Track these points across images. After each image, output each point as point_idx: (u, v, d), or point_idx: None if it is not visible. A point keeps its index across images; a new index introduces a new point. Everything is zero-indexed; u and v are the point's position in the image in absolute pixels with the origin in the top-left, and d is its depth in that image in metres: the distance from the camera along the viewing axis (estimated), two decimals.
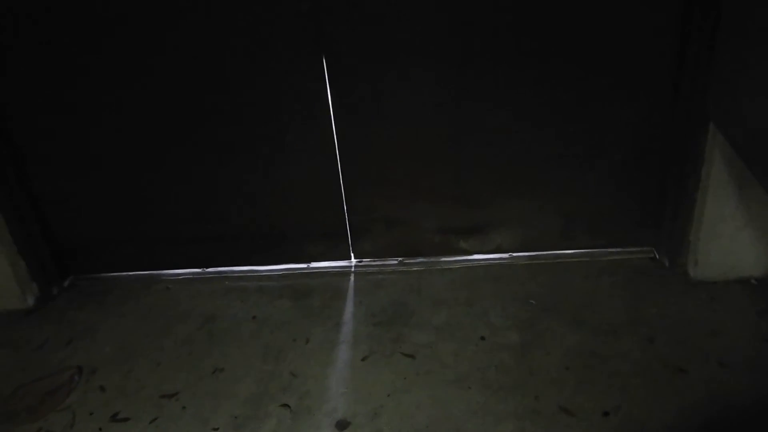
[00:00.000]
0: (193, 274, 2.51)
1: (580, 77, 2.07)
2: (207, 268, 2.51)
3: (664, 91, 2.08)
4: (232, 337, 2.17)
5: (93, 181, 2.31)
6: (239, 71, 2.10)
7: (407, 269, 2.44)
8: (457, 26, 2.01)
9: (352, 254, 2.47)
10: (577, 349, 1.99)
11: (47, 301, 2.42)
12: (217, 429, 1.81)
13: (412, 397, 1.87)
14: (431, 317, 2.18)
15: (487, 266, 2.42)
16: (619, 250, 2.40)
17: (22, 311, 2.36)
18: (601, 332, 2.05)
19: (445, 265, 2.44)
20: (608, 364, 1.92)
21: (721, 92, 1.86)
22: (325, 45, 2.05)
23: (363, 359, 2.03)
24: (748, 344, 1.95)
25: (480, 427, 1.75)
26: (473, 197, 2.32)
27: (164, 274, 2.51)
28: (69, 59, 2.09)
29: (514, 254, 2.43)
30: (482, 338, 2.07)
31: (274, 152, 2.24)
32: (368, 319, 2.20)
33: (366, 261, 2.48)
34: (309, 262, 2.49)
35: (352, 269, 2.47)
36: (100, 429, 1.85)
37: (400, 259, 2.47)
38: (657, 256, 2.37)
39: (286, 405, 1.88)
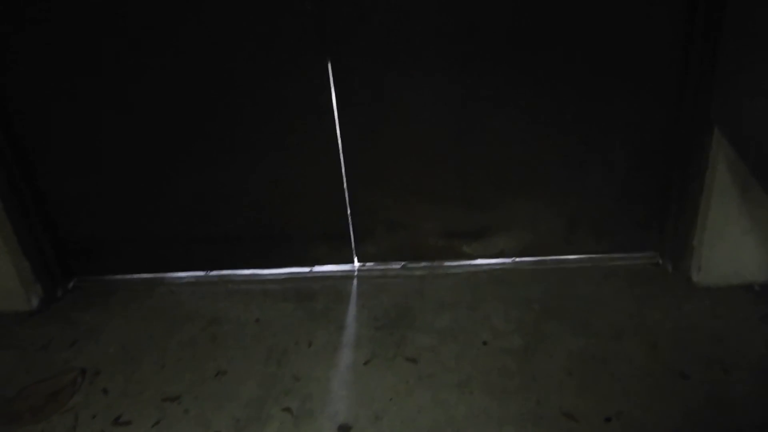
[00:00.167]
0: (196, 276, 2.51)
1: (584, 81, 2.08)
2: (210, 270, 2.52)
3: (668, 96, 2.08)
4: (235, 340, 2.17)
5: (98, 183, 2.33)
6: (244, 73, 2.11)
7: (410, 273, 2.45)
8: (460, 28, 2.01)
9: (356, 258, 2.48)
10: (580, 353, 1.99)
11: (51, 302, 2.43)
12: None
13: (415, 400, 1.87)
14: (434, 321, 2.18)
15: (490, 270, 2.42)
16: (622, 255, 2.40)
17: (26, 312, 2.37)
18: (603, 337, 2.05)
19: (448, 269, 2.44)
20: (611, 369, 1.92)
21: (725, 97, 1.86)
22: (328, 47, 2.06)
23: (365, 363, 2.03)
24: (751, 350, 1.95)
25: (482, 431, 1.74)
26: (476, 201, 2.32)
27: (168, 277, 2.51)
28: (76, 59, 2.10)
29: (518, 259, 2.43)
30: (485, 342, 2.07)
31: (277, 155, 2.24)
32: (371, 322, 2.20)
33: (369, 264, 2.49)
34: (312, 265, 2.50)
35: (355, 273, 2.48)
36: None
37: (403, 263, 2.47)
38: (660, 261, 2.36)
39: (288, 408, 1.88)
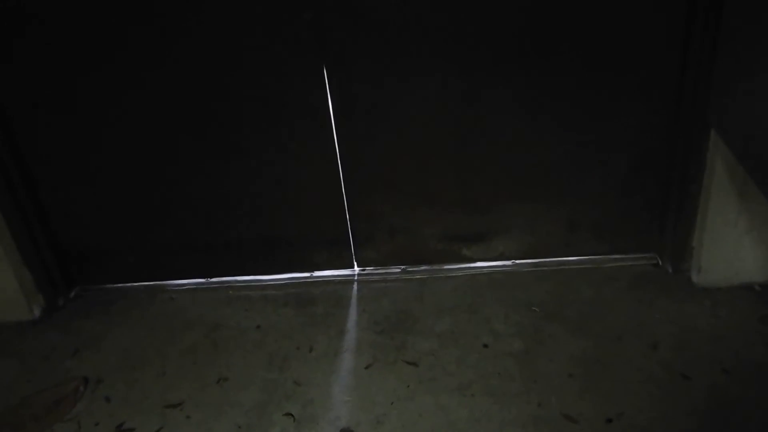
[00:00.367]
0: (197, 283, 2.52)
1: (583, 84, 2.08)
2: (211, 277, 2.53)
3: (667, 98, 2.09)
4: (236, 346, 2.18)
5: (98, 192, 2.33)
6: (241, 81, 2.12)
7: (410, 277, 2.45)
8: (459, 32, 2.02)
9: (356, 262, 2.48)
10: (581, 356, 1.99)
11: (53, 311, 2.44)
12: None
13: (416, 404, 1.87)
14: (434, 325, 2.18)
15: (490, 273, 2.42)
16: (622, 256, 2.40)
17: (28, 322, 2.38)
18: (604, 339, 2.05)
19: (448, 273, 2.44)
20: (611, 371, 1.92)
21: (722, 100, 1.86)
22: (326, 52, 2.07)
23: (366, 367, 2.03)
24: (751, 350, 1.95)
25: None
26: (476, 204, 2.33)
27: (169, 284, 2.52)
28: (76, 69, 2.11)
29: (517, 261, 2.44)
30: (485, 345, 2.07)
31: (276, 161, 2.25)
32: (371, 327, 2.21)
33: (369, 269, 2.49)
34: (312, 270, 2.50)
35: (356, 277, 2.48)
36: None
37: (403, 266, 2.48)
38: (660, 263, 2.37)
39: (289, 414, 1.88)
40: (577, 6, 1.96)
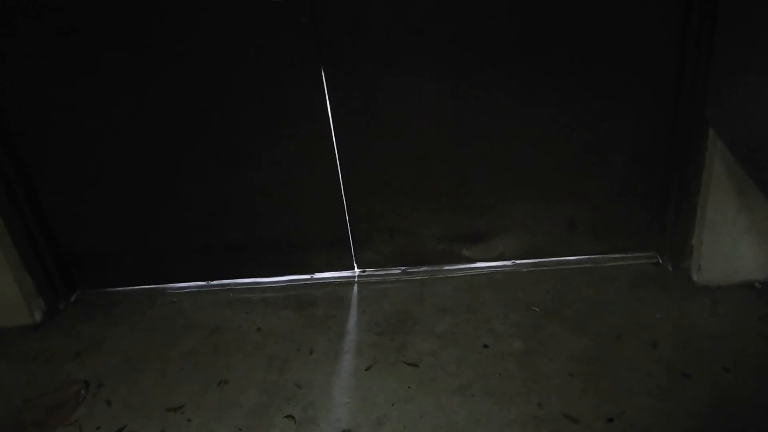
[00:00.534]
0: (197, 286, 2.52)
1: (581, 83, 2.08)
2: (211, 280, 2.53)
3: (665, 97, 2.08)
4: (237, 349, 2.18)
5: (98, 196, 2.34)
6: (240, 84, 2.12)
7: (410, 278, 2.45)
8: (457, 31, 2.02)
9: (356, 264, 2.48)
10: (581, 355, 1.99)
11: (54, 315, 2.44)
12: None
13: (416, 405, 1.88)
14: (434, 325, 2.18)
15: (490, 273, 2.42)
16: (622, 255, 2.40)
17: (29, 326, 2.38)
18: (604, 338, 2.05)
19: (448, 273, 2.44)
20: (612, 370, 1.92)
21: (720, 98, 1.86)
22: (323, 55, 2.07)
23: (367, 368, 2.04)
24: (752, 349, 1.95)
25: None
26: (475, 204, 2.33)
27: (169, 287, 2.52)
28: (76, 72, 2.11)
29: (517, 261, 2.44)
30: (485, 346, 2.07)
31: (274, 163, 2.25)
32: (372, 328, 2.21)
33: (369, 270, 2.49)
34: (312, 272, 2.50)
35: (356, 279, 2.48)
36: None
37: (403, 268, 2.48)
38: (660, 261, 2.36)
39: (290, 416, 1.89)
40: (574, 6, 1.96)
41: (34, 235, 2.35)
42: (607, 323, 2.11)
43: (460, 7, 1.98)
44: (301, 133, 2.20)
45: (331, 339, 2.18)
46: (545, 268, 2.41)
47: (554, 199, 2.30)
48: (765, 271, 2.18)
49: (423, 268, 2.46)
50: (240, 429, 1.86)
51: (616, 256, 2.40)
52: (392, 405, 1.89)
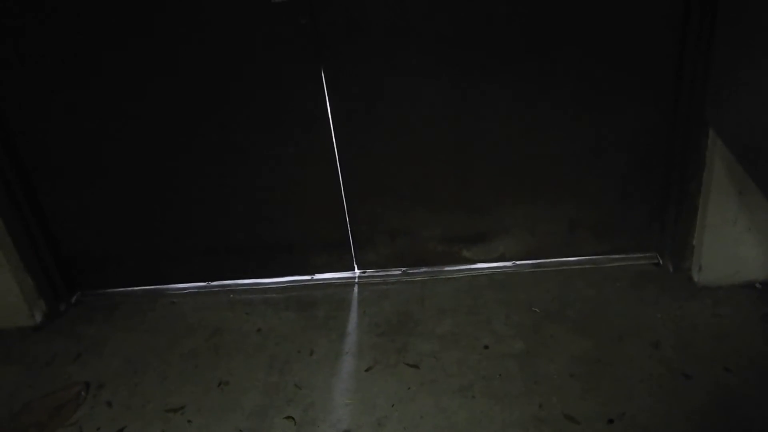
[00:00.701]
0: (198, 287, 2.52)
1: (581, 84, 2.08)
2: (212, 281, 2.53)
3: (665, 97, 2.09)
4: (237, 350, 2.18)
5: (99, 197, 2.34)
6: (241, 85, 2.12)
7: (411, 279, 2.45)
8: (457, 33, 2.02)
9: (356, 265, 2.48)
10: (582, 356, 1.99)
11: (55, 317, 2.44)
12: None
13: (417, 406, 1.87)
14: (435, 326, 2.18)
15: (491, 274, 2.42)
16: (622, 256, 2.40)
17: (29, 328, 2.38)
18: (605, 339, 2.04)
19: (448, 274, 2.44)
20: (613, 371, 1.92)
21: (719, 98, 1.86)
22: (323, 55, 2.07)
23: (367, 370, 2.03)
24: (753, 349, 1.94)
25: None
26: (476, 205, 2.33)
27: (170, 289, 2.52)
28: (76, 73, 2.11)
29: (518, 262, 2.43)
30: (486, 347, 2.07)
31: (275, 165, 2.25)
32: (372, 329, 2.21)
33: (370, 271, 2.49)
34: (313, 273, 2.50)
35: (356, 280, 2.48)
36: None
37: (403, 269, 2.47)
38: (661, 262, 2.36)
39: (290, 417, 1.89)
40: (574, 6, 1.96)
41: (34, 236, 2.35)
42: (607, 324, 2.11)
43: (460, 7, 1.98)
44: (301, 133, 2.20)
45: (331, 340, 2.18)
46: (546, 268, 2.41)
47: (555, 199, 2.30)
48: (766, 271, 2.18)
49: (423, 269, 2.46)
50: (240, 430, 1.86)
51: (617, 256, 2.40)
52: (393, 406, 1.88)
